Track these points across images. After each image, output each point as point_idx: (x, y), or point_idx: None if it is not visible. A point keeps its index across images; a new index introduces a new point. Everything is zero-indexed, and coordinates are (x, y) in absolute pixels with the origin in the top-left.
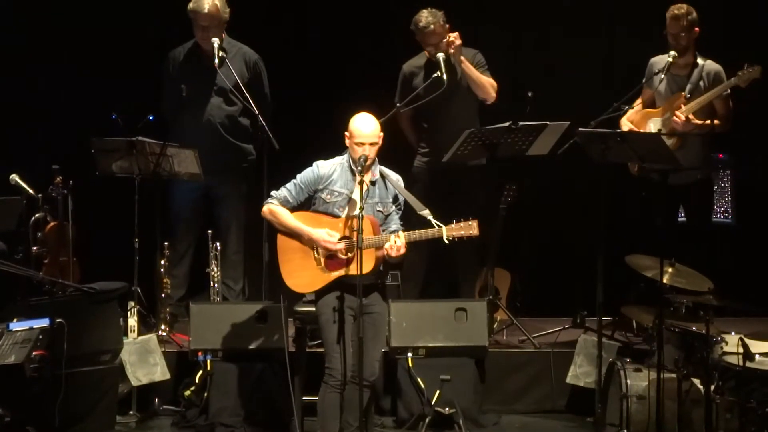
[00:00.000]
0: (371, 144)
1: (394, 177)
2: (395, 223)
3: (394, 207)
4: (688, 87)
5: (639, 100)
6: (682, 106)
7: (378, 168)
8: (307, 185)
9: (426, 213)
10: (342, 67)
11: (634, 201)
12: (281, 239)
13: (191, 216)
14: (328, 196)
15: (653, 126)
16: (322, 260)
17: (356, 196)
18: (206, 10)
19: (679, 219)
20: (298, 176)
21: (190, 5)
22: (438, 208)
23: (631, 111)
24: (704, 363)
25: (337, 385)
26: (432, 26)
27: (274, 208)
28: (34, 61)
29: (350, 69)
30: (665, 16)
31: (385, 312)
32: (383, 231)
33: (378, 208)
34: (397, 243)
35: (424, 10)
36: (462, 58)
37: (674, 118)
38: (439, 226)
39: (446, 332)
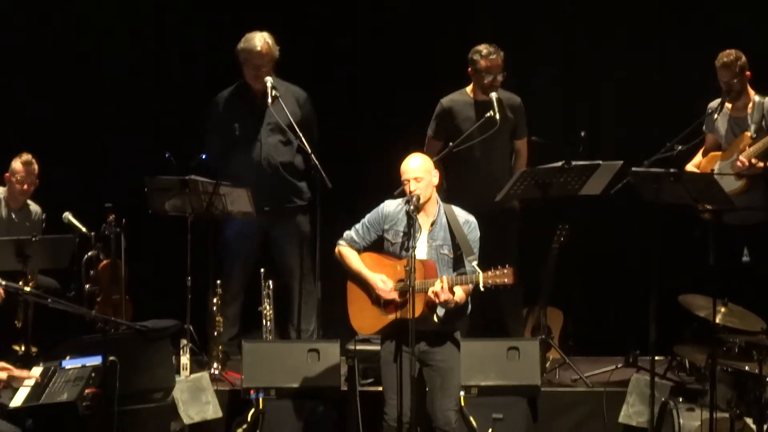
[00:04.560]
0: (415, 179)
1: (462, 219)
2: (468, 266)
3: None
4: (753, 127)
5: (700, 152)
6: (748, 148)
7: (440, 208)
8: (373, 225)
9: (472, 259)
10: (392, 109)
11: (688, 240)
12: (350, 280)
13: (247, 255)
14: (394, 237)
15: (722, 168)
16: (381, 302)
17: (421, 238)
18: (258, 49)
19: (744, 259)
20: (367, 216)
21: (241, 45)
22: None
23: (696, 158)
24: (757, 403)
25: (391, 429)
26: (494, 55)
27: (342, 249)
28: (86, 102)
29: (401, 111)
30: (714, 64)
31: (454, 361)
32: (455, 275)
33: (442, 251)
34: (436, 288)
35: (484, 44)
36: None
37: (737, 163)
38: (477, 272)
39: (498, 371)
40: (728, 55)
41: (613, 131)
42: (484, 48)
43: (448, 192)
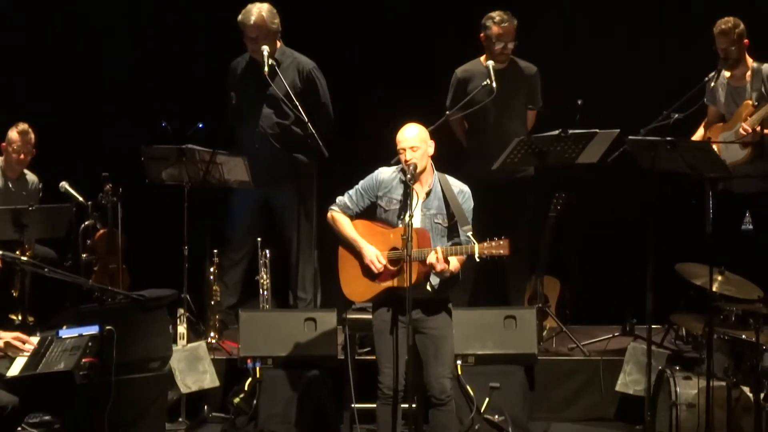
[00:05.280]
0: (411, 148)
1: (456, 189)
2: (462, 236)
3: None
4: (754, 95)
5: (702, 125)
6: (750, 116)
7: (435, 177)
8: (367, 191)
9: (467, 229)
10: (391, 79)
11: (686, 209)
12: (341, 247)
13: (250, 225)
14: (387, 204)
15: (726, 139)
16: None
17: (416, 206)
18: (252, 22)
19: (748, 227)
20: (361, 182)
21: (239, 17)
22: (480, 220)
23: (699, 131)
24: (754, 371)
25: (386, 398)
26: (507, 23)
27: (335, 215)
28: (83, 69)
29: (399, 80)
30: (712, 31)
31: (447, 329)
32: (449, 244)
33: (436, 220)
34: (431, 259)
35: (497, 11)
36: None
37: (740, 131)
38: (473, 243)
39: (495, 340)
40: (726, 22)
41: (611, 109)
42: (497, 15)
43: (463, 159)
